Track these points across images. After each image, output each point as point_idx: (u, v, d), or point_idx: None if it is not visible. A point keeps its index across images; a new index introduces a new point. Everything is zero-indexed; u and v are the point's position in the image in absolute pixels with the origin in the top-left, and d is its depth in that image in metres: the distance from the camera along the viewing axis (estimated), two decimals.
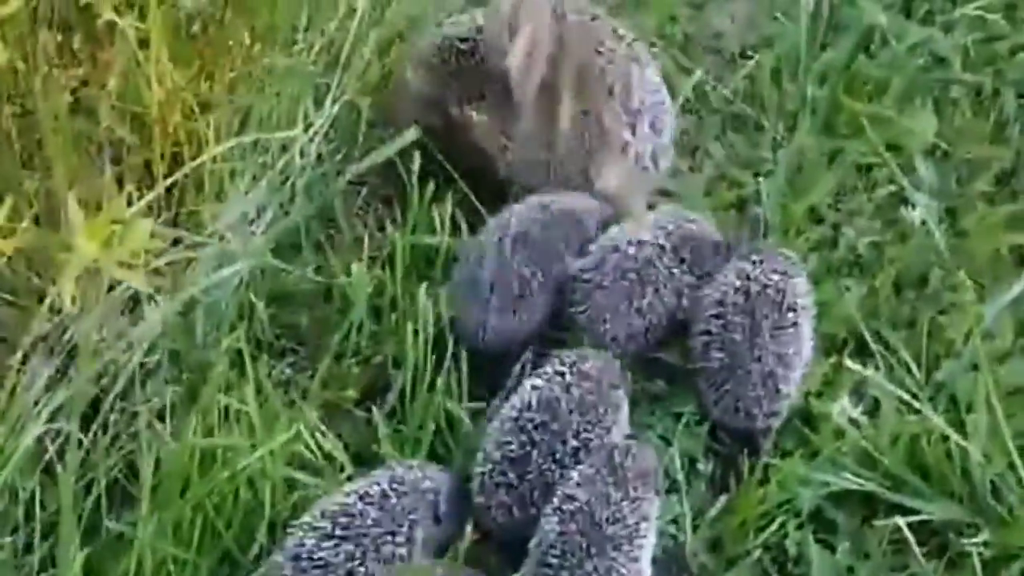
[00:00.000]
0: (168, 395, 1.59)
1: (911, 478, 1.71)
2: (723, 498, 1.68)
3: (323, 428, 1.58)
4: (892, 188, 2.14)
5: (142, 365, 1.58)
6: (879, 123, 2.20)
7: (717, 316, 1.75)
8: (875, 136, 2.18)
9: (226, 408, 1.54)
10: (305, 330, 1.85)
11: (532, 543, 1.50)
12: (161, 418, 1.56)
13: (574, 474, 1.54)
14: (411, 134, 1.86)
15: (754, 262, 1.80)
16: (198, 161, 1.69)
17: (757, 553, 1.63)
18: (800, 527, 1.68)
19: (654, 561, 1.58)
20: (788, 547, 1.65)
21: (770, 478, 1.68)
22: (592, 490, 1.50)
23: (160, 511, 1.43)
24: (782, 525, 1.66)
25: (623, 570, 1.47)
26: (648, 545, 1.53)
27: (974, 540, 1.63)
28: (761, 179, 2.13)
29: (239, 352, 1.67)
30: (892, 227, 2.07)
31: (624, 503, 1.50)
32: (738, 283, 1.77)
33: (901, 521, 1.60)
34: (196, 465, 1.46)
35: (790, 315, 1.75)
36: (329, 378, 1.72)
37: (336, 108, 1.97)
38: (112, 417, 1.51)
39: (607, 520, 1.48)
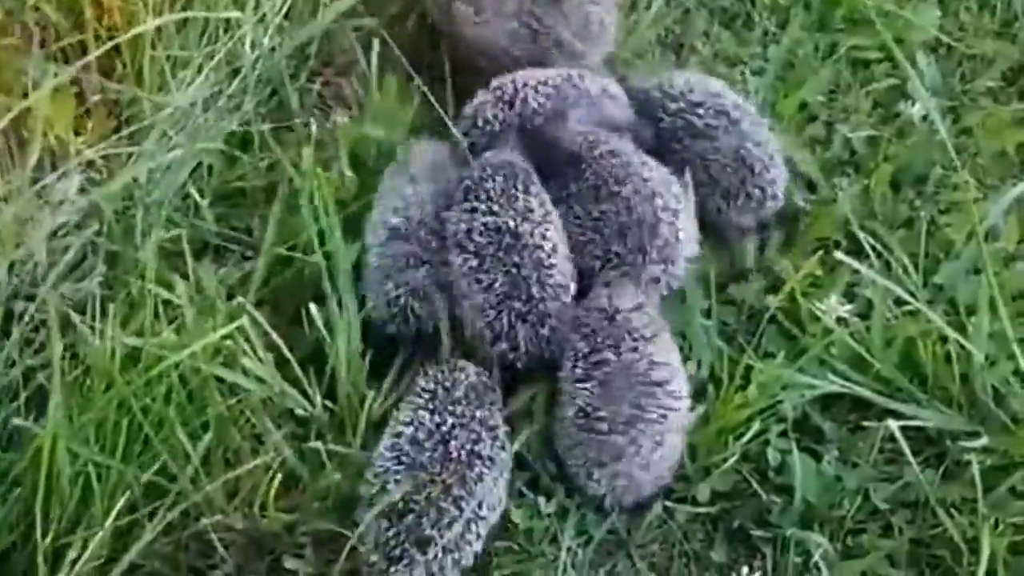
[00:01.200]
0: (97, 292, 1.45)
1: (906, 383, 1.59)
2: (699, 407, 1.56)
3: (266, 326, 1.45)
4: (891, 82, 1.99)
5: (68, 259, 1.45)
6: (879, 16, 2.05)
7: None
8: (874, 30, 2.03)
9: (158, 306, 1.41)
10: (254, 230, 1.72)
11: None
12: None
13: None
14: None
15: None
16: (133, 32, 1.54)
17: (734, 460, 1.51)
18: (783, 434, 1.55)
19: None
20: (769, 455, 1.52)
21: (751, 380, 1.55)
22: None
23: (79, 413, 1.31)
24: (763, 432, 1.54)
25: None
26: None
27: (973, 445, 1.50)
28: (750, 75, 1.99)
29: (181, 253, 1.55)
30: (890, 123, 1.93)
31: None
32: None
33: (894, 425, 1.47)
34: (119, 363, 1.33)
35: None
36: (272, 277, 1.60)
37: None
38: (30, 311, 1.38)
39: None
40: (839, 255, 1.59)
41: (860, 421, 1.57)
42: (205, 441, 1.35)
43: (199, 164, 1.72)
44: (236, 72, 1.80)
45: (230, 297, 1.54)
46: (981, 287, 1.63)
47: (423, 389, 1.49)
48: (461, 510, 1.37)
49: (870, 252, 1.72)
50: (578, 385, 1.49)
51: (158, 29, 1.66)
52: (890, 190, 1.84)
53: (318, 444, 1.44)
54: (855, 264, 1.60)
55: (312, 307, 1.53)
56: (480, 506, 1.40)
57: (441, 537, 1.35)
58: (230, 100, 1.77)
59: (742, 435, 1.53)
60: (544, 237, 1.55)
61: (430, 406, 1.46)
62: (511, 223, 1.55)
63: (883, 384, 1.59)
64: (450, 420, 1.43)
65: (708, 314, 1.67)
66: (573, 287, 1.58)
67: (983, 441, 1.50)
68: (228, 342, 1.37)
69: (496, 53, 1.85)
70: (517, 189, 1.58)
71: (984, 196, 1.83)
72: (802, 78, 1.98)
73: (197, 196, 1.64)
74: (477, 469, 1.41)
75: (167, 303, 1.42)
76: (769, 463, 1.53)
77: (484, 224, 1.55)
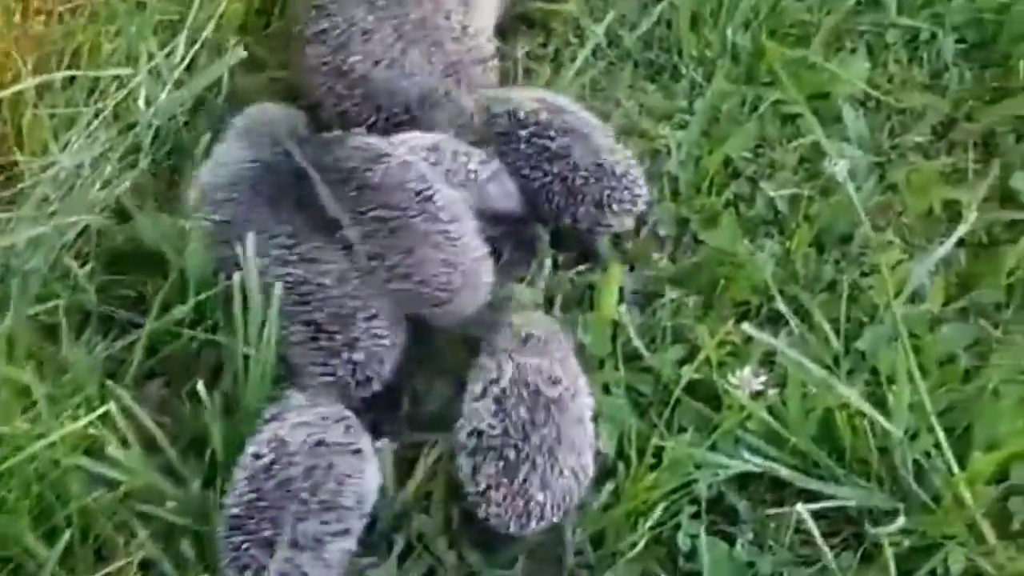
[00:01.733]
0: None
1: (824, 458, 1.51)
2: (609, 485, 1.48)
3: (137, 411, 1.35)
4: (816, 139, 1.93)
5: None
6: (805, 69, 2.00)
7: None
8: (799, 83, 1.98)
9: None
10: (147, 296, 1.63)
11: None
12: None
13: None
14: (237, 54, 1.65)
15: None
16: (10, 91, 1.46)
17: (643, 545, 1.42)
18: (696, 516, 1.48)
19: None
20: (680, 540, 1.44)
21: (662, 460, 1.47)
22: None
23: None
24: (675, 514, 1.46)
25: None
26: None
27: (890, 529, 1.43)
28: (674, 130, 1.93)
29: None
30: (815, 181, 1.87)
31: None
32: None
33: (804, 510, 1.39)
34: None
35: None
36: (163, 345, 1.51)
37: (191, 48, 1.75)
38: None
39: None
40: (747, 328, 1.52)
41: (777, 500, 1.50)
42: (66, 536, 1.25)
43: (86, 227, 1.64)
44: (131, 127, 1.71)
45: (111, 375, 1.45)
46: (899, 356, 1.56)
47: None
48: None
49: (789, 318, 1.66)
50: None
51: (41, 86, 1.58)
52: (813, 251, 1.78)
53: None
54: (766, 338, 1.53)
55: (200, 386, 1.44)
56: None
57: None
58: (122, 159, 1.68)
59: (652, 518, 1.45)
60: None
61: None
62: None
63: (801, 459, 1.51)
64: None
65: (620, 384, 1.59)
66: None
67: (901, 523, 1.43)
68: (93, 431, 1.28)
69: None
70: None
71: (910, 256, 1.77)
72: (726, 133, 1.92)
73: (75, 266, 1.54)
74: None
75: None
76: (680, 548, 1.45)
77: None
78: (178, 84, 1.74)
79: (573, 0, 2.10)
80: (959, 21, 2.08)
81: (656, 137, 1.92)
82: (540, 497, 1.39)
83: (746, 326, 1.52)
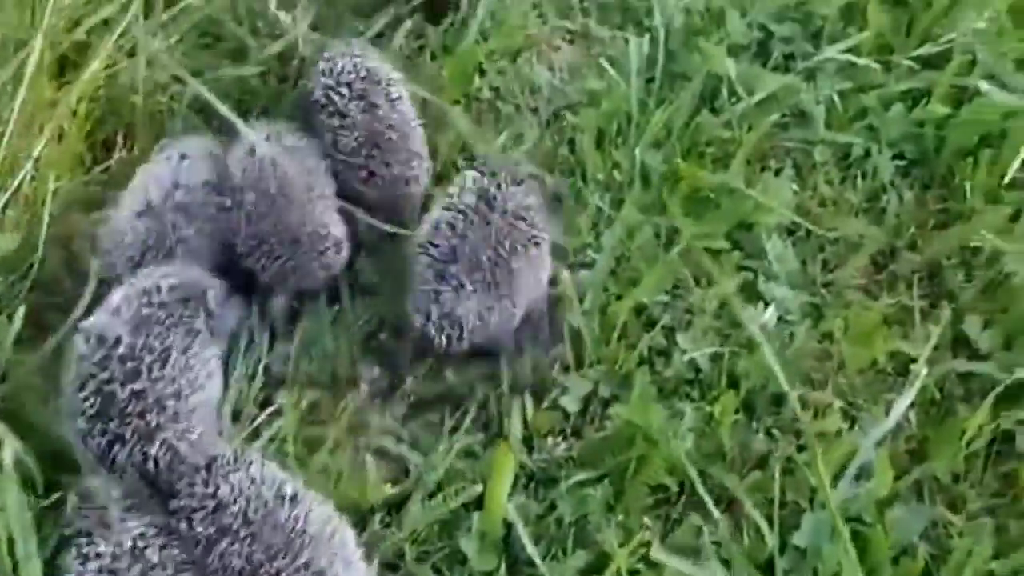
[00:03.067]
0: None
1: None
2: None
3: None
4: (741, 278, 1.69)
5: None
6: (725, 195, 1.76)
7: None
8: (719, 212, 1.74)
9: None
10: None
11: None
12: None
13: None
14: None
15: None
16: None
17: None
18: None
19: None
20: None
21: None
22: None
23: None
24: None
25: None
26: None
27: None
28: (575, 272, 1.67)
29: None
30: (740, 330, 1.61)
31: None
32: None
33: None
34: None
35: None
36: None
37: None
38: None
39: None
40: (658, 554, 1.25)
41: None
42: None
43: None
44: None
45: None
46: (843, 553, 1.30)
47: None
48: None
49: (712, 508, 1.39)
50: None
51: None
52: (741, 417, 1.52)
53: None
54: (679, 565, 1.25)
55: None
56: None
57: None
58: None
59: None
60: None
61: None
62: None
63: None
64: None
65: None
66: None
67: None
68: None
69: None
70: None
71: (851, 423, 1.52)
72: (638, 273, 1.67)
73: None
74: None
75: None
76: None
77: None
78: None
79: (461, 118, 1.85)
80: (896, 135, 1.85)
81: (558, 279, 1.67)
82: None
83: (656, 551, 1.24)
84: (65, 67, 1.73)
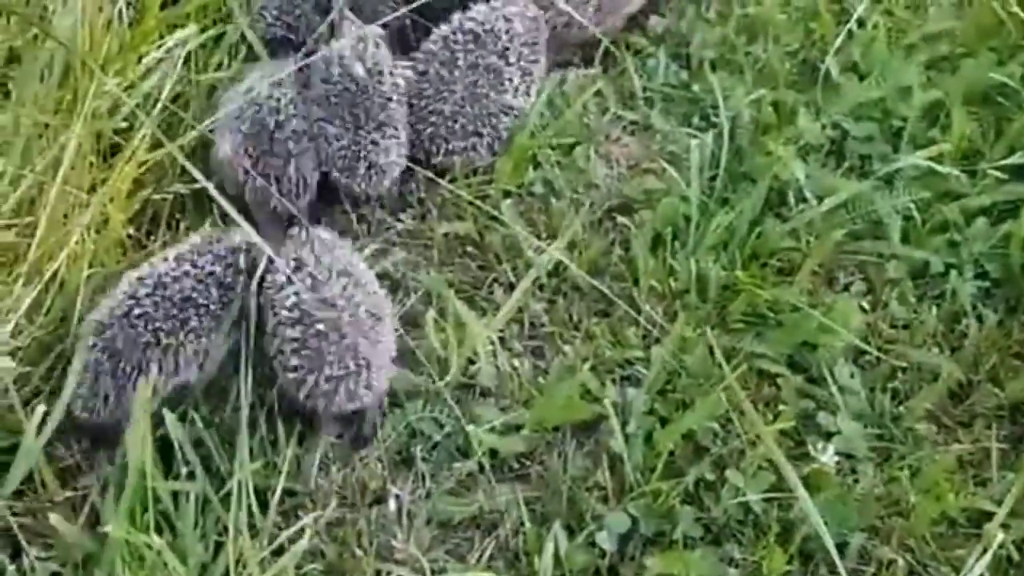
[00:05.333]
0: None
1: None
2: None
3: None
4: (803, 406, 1.55)
5: None
6: (788, 312, 1.63)
7: None
8: (780, 331, 1.61)
9: None
10: None
11: None
12: None
13: None
14: None
15: None
16: None
17: None
18: None
19: None
20: None
21: None
22: None
23: None
24: None
25: None
26: None
27: None
28: (622, 389, 1.56)
29: None
30: (799, 463, 1.48)
31: None
32: None
33: None
34: None
35: None
36: None
37: None
38: None
39: None
40: None
41: None
42: None
43: None
44: None
45: None
46: None
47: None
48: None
49: None
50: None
51: None
52: (796, 567, 1.39)
53: None
54: None
55: None
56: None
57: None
58: None
59: None
60: None
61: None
62: None
63: None
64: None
65: None
66: None
67: None
68: None
69: None
70: None
71: None
72: (688, 396, 1.55)
73: None
74: None
75: None
76: None
77: None
78: None
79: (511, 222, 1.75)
80: (978, 252, 1.71)
81: (602, 396, 1.55)
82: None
83: None
84: (110, 150, 1.68)
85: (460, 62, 1.80)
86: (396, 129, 1.76)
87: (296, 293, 1.48)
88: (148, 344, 1.49)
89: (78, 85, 1.51)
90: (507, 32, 1.82)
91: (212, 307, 1.52)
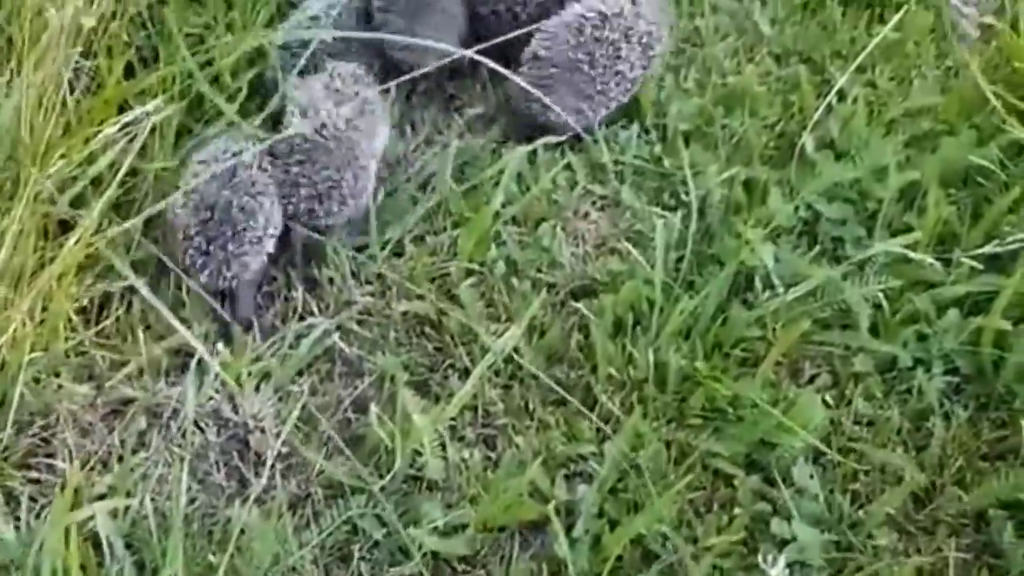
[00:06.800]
0: None
1: None
2: None
3: None
4: (757, 507, 1.50)
5: None
6: (749, 407, 1.57)
7: None
8: (740, 427, 1.56)
9: None
10: None
11: None
12: None
13: None
14: None
15: None
16: None
17: None
18: None
19: None
20: None
21: None
22: None
23: None
24: None
25: None
26: None
27: None
28: (572, 487, 1.51)
29: None
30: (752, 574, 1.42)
31: None
32: None
33: None
34: None
35: None
36: None
37: None
38: None
39: None
40: None
41: None
42: None
43: None
44: None
45: None
46: None
47: None
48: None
49: None
50: None
51: None
52: None
53: None
54: None
55: None
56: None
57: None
58: None
59: None
60: None
61: None
62: None
63: None
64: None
65: None
66: None
67: None
68: None
69: None
70: None
71: None
72: (643, 496, 1.50)
73: None
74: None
75: None
76: None
77: None
78: None
79: (470, 303, 1.71)
80: (952, 345, 1.65)
81: (552, 495, 1.50)
82: None
83: None
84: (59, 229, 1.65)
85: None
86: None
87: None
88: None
89: (20, 169, 1.48)
90: None
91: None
